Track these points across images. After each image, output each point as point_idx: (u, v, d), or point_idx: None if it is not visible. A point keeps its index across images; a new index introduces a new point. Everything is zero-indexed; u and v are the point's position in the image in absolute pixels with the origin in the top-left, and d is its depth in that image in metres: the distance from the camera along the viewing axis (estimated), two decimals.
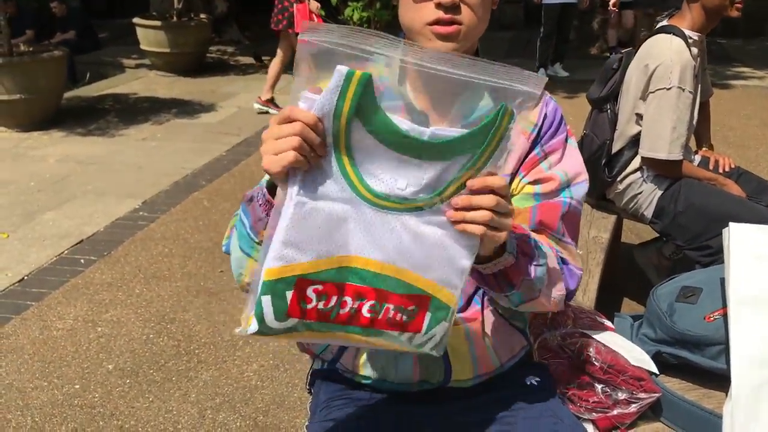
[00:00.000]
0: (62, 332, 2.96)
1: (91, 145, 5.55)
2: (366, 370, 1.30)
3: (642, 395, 1.44)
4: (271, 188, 1.04)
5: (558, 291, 1.21)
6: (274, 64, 6.30)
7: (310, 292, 0.94)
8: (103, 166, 5.06)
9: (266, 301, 0.92)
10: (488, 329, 1.30)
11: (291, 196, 0.94)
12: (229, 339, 2.90)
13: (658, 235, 2.78)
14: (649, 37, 2.56)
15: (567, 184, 1.28)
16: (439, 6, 1.11)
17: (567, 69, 7.91)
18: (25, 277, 3.44)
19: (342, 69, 0.90)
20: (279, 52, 6.25)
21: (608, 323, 1.69)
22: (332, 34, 0.91)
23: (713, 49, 6.98)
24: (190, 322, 3.03)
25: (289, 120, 0.91)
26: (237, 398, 2.53)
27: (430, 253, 0.98)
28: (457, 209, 0.96)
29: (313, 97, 0.92)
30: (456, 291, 1.00)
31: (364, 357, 1.29)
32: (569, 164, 1.31)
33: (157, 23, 7.90)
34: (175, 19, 8.03)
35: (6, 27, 5.68)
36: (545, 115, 1.29)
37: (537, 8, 7.70)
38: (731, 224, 1.50)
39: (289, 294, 0.93)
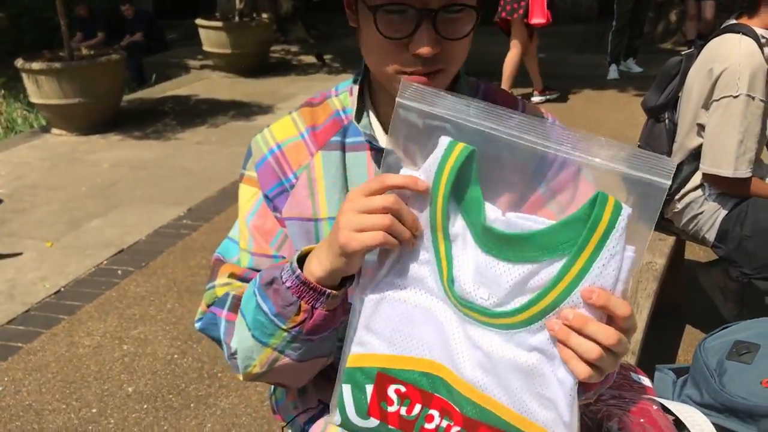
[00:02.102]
0: (88, 350, 2.89)
1: (146, 149, 5.54)
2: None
3: None
4: (301, 263, 0.91)
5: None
6: (511, 59, 6.09)
7: (391, 392, 0.83)
8: (154, 171, 5.03)
9: (347, 391, 0.85)
10: None
11: (378, 277, 0.83)
12: None
13: None
14: (715, 36, 2.26)
15: None
16: (417, 56, 0.92)
17: (641, 64, 7.48)
18: (62, 289, 3.40)
19: (444, 140, 0.79)
20: (515, 43, 6.04)
21: (646, 382, 1.44)
22: (433, 98, 0.80)
23: None
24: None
25: (381, 190, 0.79)
26: (253, 430, 2.38)
27: (529, 386, 0.77)
28: (566, 324, 0.73)
29: (411, 172, 0.80)
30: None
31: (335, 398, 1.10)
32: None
33: (218, 24, 7.90)
34: (237, 19, 8.01)
35: (67, 32, 5.74)
36: None
37: (611, 0, 7.29)
38: None
39: (370, 388, 0.84)
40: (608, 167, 0.74)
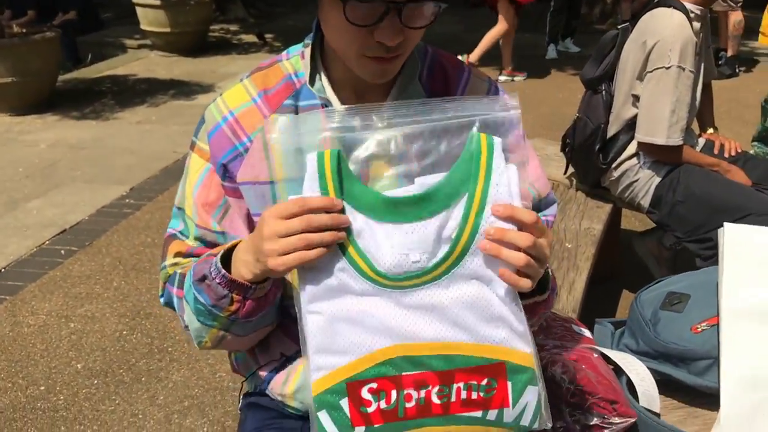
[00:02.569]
0: (33, 329, 2.85)
1: (85, 129, 5.42)
2: (296, 402, 1.15)
3: (616, 420, 1.28)
4: (226, 263, 0.96)
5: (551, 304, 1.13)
6: (491, 34, 6.24)
7: (365, 393, 0.85)
8: (94, 152, 4.94)
9: (324, 417, 0.86)
10: None
11: (305, 307, 0.87)
12: None
13: None
14: (648, 11, 2.36)
15: (537, 205, 1.19)
16: (381, 44, 0.95)
17: (578, 44, 7.67)
18: (3, 270, 3.33)
19: (312, 156, 0.86)
20: (501, 20, 6.20)
21: (586, 333, 1.52)
22: (292, 126, 0.87)
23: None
24: (166, 317, 2.90)
25: (300, 213, 0.83)
26: (206, 401, 2.40)
27: (479, 313, 0.85)
28: (490, 239, 0.83)
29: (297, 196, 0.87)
30: (527, 348, 0.87)
31: (294, 386, 1.14)
32: (536, 174, 1.19)
33: (157, 2, 7.74)
34: None
35: None
36: None
37: None
38: (726, 225, 1.33)
39: (345, 403, 0.85)
40: (470, 120, 0.86)
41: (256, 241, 0.89)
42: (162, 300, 1.16)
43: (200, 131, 1.13)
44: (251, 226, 1.10)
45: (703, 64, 2.36)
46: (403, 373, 0.85)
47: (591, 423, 1.27)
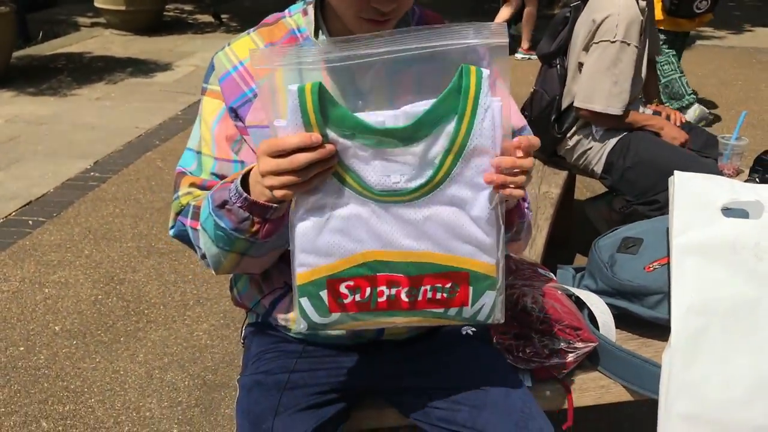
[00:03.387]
0: (7, 294, 2.89)
1: (42, 105, 5.38)
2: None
3: (579, 345, 1.44)
4: (245, 185, 1.05)
5: (529, 231, 1.28)
6: (505, 15, 6.63)
7: (342, 288, 1.00)
8: (54, 127, 4.92)
9: (305, 302, 1.01)
10: None
11: (297, 217, 0.98)
12: (179, 299, 2.86)
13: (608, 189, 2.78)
14: None
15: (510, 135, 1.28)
16: (376, 8, 1.06)
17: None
18: None
19: (293, 88, 0.91)
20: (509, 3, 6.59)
21: (550, 275, 1.68)
22: (274, 56, 0.94)
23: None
24: (140, 282, 2.98)
25: (281, 152, 0.92)
26: (186, 358, 2.50)
27: (451, 231, 0.98)
28: (500, 172, 0.95)
29: (282, 124, 0.94)
30: (492, 259, 1.00)
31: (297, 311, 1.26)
32: (512, 110, 1.31)
33: None
34: None
35: None
36: None
37: None
38: (677, 173, 1.49)
39: (324, 294, 1.00)
40: (459, 45, 0.92)
41: (257, 174, 1.00)
42: (172, 231, 1.24)
43: (210, 77, 1.23)
44: None
45: (648, 41, 2.54)
46: (379, 274, 0.99)
47: (557, 347, 1.43)
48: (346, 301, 1.00)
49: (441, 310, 1.02)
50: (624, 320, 1.60)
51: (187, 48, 7.33)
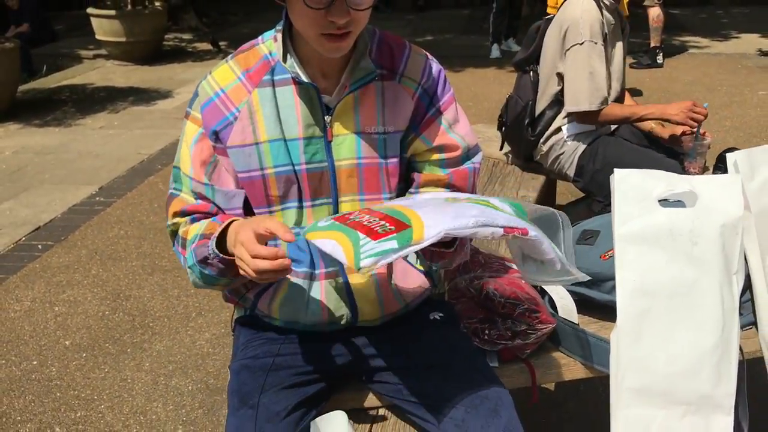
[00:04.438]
0: (20, 314, 3.05)
1: (48, 136, 5.59)
2: (280, 314, 1.42)
3: (539, 326, 1.58)
4: (221, 241, 1.27)
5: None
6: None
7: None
8: (60, 156, 5.11)
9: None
10: (394, 273, 1.43)
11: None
12: (182, 311, 3.01)
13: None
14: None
15: (467, 153, 1.44)
16: (333, 22, 1.21)
17: (520, 43, 8.04)
18: None
19: None
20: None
21: (514, 266, 1.83)
22: None
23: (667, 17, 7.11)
24: (145, 297, 3.14)
25: (254, 255, 1.14)
26: (189, 365, 2.65)
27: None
28: None
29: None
30: (429, 233, 1.03)
31: (278, 302, 1.41)
32: (465, 130, 1.46)
33: (111, 12, 7.90)
34: (129, 7, 8.02)
35: None
36: (428, 73, 1.40)
37: None
38: (616, 170, 1.62)
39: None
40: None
41: (234, 240, 1.21)
42: (174, 249, 1.45)
43: (194, 103, 1.37)
44: (236, 180, 1.37)
45: (615, 51, 2.69)
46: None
47: (519, 329, 1.58)
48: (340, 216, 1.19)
49: (360, 234, 1.07)
50: (585, 306, 1.75)
51: (186, 75, 7.54)
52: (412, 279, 1.46)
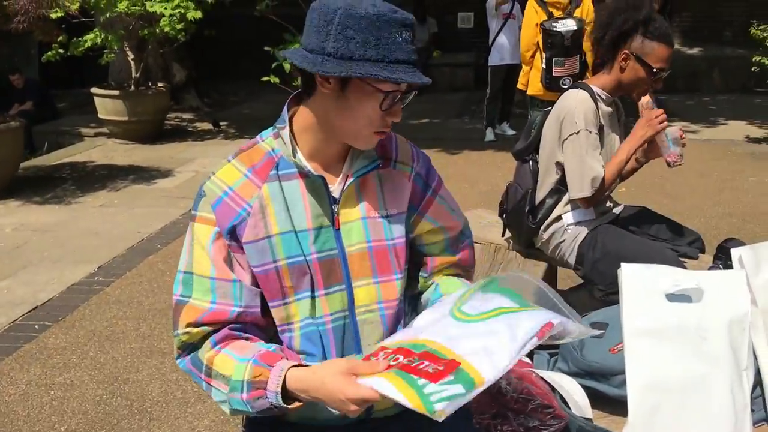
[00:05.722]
0: (14, 397, 3.00)
1: (48, 214, 5.61)
2: (294, 416, 1.41)
3: (551, 422, 1.58)
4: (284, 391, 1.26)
5: None
6: None
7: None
8: (60, 234, 5.12)
9: None
10: None
11: None
12: (181, 396, 2.97)
13: None
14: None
15: (463, 230, 1.58)
16: (387, 121, 1.33)
17: (514, 127, 8.22)
18: None
19: None
20: None
21: (526, 359, 1.83)
22: None
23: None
24: (144, 381, 3.10)
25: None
26: None
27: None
28: None
29: None
30: (487, 374, 1.11)
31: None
32: (456, 207, 1.58)
33: (115, 92, 8.06)
34: (132, 88, 8.20)
35: None
36: (417, 157, 1.51)
37: (485, 70, 8.03)
38: (623, 264, 1.66)
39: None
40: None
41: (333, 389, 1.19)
42: (180, 364, 1.38)
43: (200, 204, 1.37)
44: (251, 275, 1.37)
45: (613, 141, 2.77)
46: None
47: (531, 425, 1.57)
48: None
49: (416, 378, 1.11)
50: (595, 399, 1.74)
51: (187, 155, 7.65)
52: None
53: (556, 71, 4.93)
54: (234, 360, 1.29)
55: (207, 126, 9.15)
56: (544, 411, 1.58)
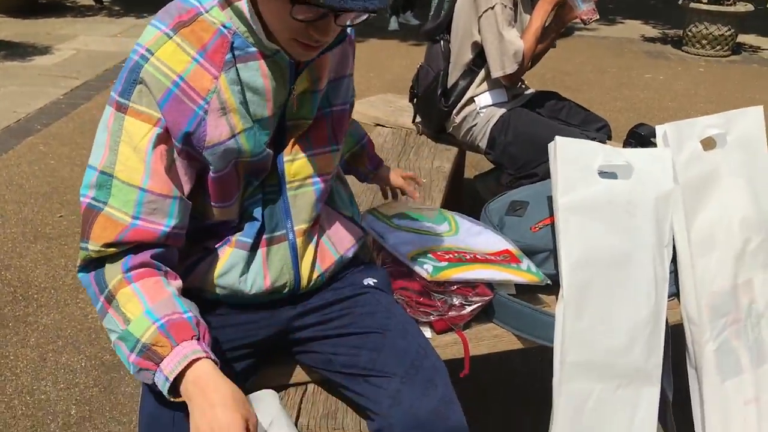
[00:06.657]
0: None
1: None
2: (217, 286, 1.27)
3: (475, 299, 1.53)
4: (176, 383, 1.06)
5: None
6: None
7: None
8: None
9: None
10: (324, 223, 1.37)
11: None
12: (71, 282, 2.78)
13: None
14: None
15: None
16: (313, 35, 1.07)
17: (418, 17, 8.04)
18: None
19: None
20: None
21: None
22: None
23: None
24: (28, 267, 2.87)
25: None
26: (81, 340, 2.44)
27: None
28: None
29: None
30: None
31: (215, 273, 1.27)
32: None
33: None
34: None
35: None
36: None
37: None
38: (557, 138, 1.60)
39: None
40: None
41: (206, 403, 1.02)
42: (81, 276, 1.15)
43: (135, 93, 1.10)
44: (198, 180, 1.19)
45: (527, 18, 2.68)
46: None
47: (455, 303, 1.52)
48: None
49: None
50: None
51: (67, 31, 7.02)
52: (341, 227, 1.41)
53: None
54: (141, 305, 1.08)
55: (88, 1, 8.41)
56: (469, 288, 1.53)
